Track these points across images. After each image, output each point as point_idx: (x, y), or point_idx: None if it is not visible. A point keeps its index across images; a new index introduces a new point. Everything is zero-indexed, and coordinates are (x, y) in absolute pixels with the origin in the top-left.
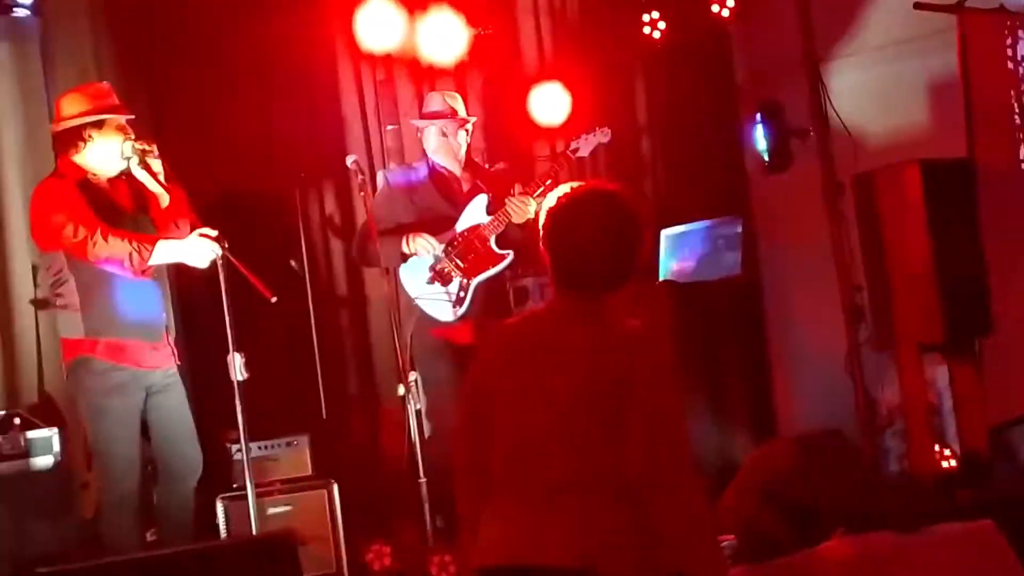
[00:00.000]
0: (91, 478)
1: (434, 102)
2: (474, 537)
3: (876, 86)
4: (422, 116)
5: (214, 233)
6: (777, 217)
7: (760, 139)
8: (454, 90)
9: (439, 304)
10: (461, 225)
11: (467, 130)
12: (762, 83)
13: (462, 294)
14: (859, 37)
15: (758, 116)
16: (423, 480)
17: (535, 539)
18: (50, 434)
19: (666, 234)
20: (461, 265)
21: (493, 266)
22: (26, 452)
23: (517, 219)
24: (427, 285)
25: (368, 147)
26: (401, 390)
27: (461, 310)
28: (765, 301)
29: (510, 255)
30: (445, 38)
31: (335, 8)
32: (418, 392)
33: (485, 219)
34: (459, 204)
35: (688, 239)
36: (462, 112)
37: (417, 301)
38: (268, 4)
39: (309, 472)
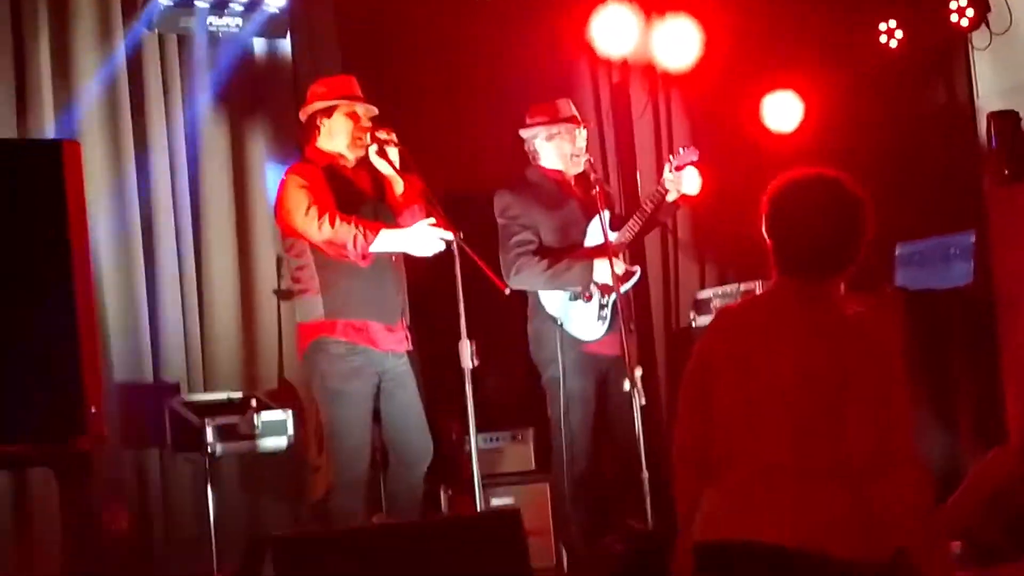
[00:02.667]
0: (322, 462)
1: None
2: (691, 517)
3: None
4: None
5: (435, 226)
6: (1011, 229)
7: (997, 149)
8: (686, 96)
9: (583, 322)
10: (590, 241)
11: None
12: (1000, 93)
13: (603, 311)
14: None
15: (993, 126)
16: (646, 475)
17: (755, 517)
18: (284, 416)
19: (901, 247)
20: (599, 283)
21: (628, 280)
22: (261, 433)
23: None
24: (570, 303)
25: (602, 148)
26: (627, 385)
27: (605, 326)
28: (999, 311)
29: (638, 270)
30: (680, 43)
31: (572, 12)
32: (642, 388)
33: (612, 234)
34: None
35: (921, 250)
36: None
37: (560, 319)
38: (508, 8)
39: (532, 466)
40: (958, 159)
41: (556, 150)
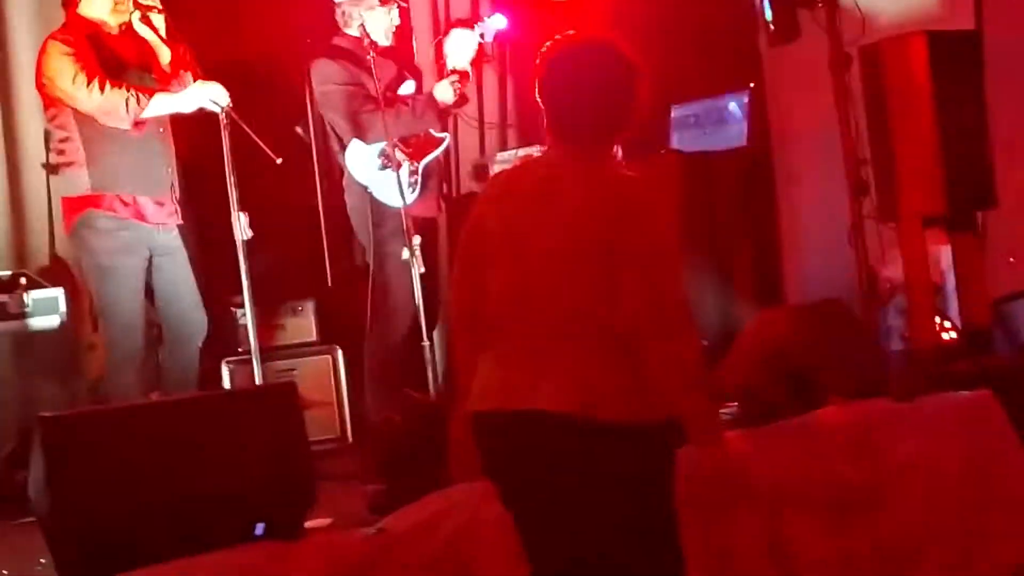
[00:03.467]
0: (97, 340)
1: None
2: (470, 385)
3: None
4: None
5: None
6: (786, 89)
7: (767, 9)
8: None
9: (391, 189)
10: None
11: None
12: None
13: (413, 178)
14: None
15: None
16: (426, 343)
17: (529, 385)
18: (55, 294)
19: (676, 110)
20: (407, 150)
21: (435, 148)
22: (31, 312)
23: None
24: (378, 171)
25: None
26: (405, 254)
27: (415, 193)
28: (774, 173)
29: (447, 137)
30: None
31: None
32: (421, 256)
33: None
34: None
35: (695, 111)
36: None
37: (370, 187)
38: None
39: (314, 338)
40: (731, 18)
41: (376, 21)
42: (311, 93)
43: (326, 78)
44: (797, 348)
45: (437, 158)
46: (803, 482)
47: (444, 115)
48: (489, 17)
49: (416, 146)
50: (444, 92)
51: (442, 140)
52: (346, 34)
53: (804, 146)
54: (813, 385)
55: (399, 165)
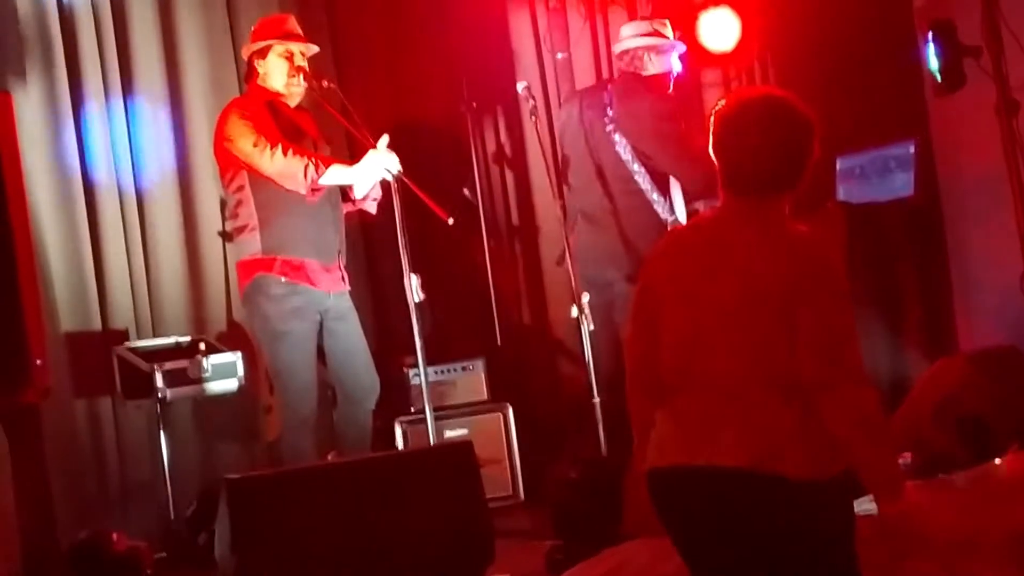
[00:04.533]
0: (274, 402)
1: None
2: (646, 441)
3: None
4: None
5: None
6: (954, 139)
7: (932, 59)
8: (625, 18)
9: None
10: None
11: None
12: (936, 2)
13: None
14: None
15: (930, 35)
16: (597, 400)
17: (708, 440)
18: (233, 359)
19: (841, 161)
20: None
21: None
22: (210, 377)
23: None
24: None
25: (542, 75)
26: (574, 311)
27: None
28: (944, 222)
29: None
30: None
31: None
32: (590, 314)
33: None
34: None
35: (862, 163)
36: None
37: None
38: None
39: (485, 396)
40: (895, 69)
41: None
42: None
43: (672, 116)
44: (973, 396)
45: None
46: (980, 534)
47: None
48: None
49: None
50: None
51: None
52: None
53: (972, 194)
54: (990, 434)
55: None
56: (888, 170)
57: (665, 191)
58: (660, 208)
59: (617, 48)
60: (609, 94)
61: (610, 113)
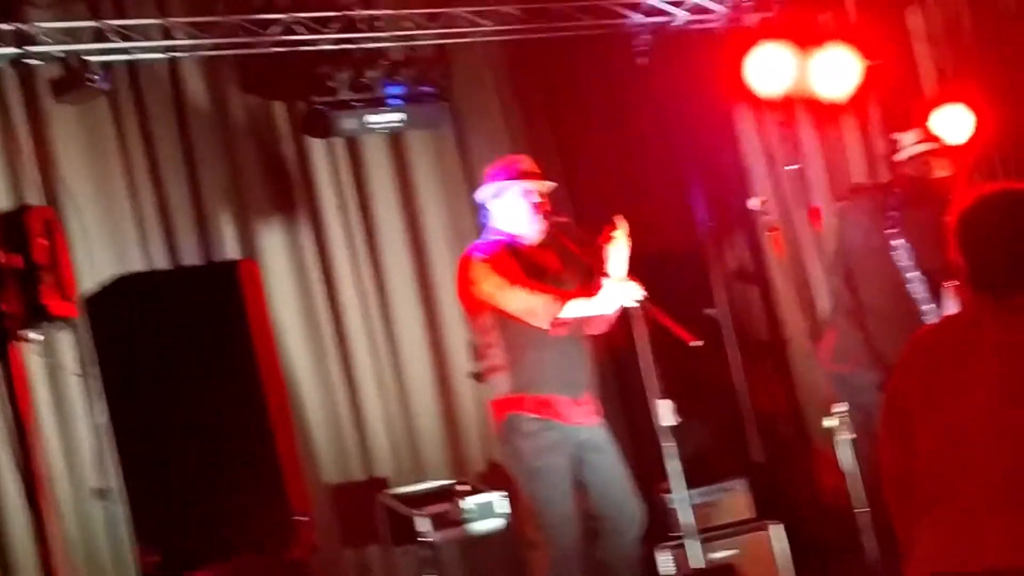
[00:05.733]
0: (539, 538)
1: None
2: (911, 552)
3: None
4: None
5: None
6: None
7: None
8: (855, 124)
9: None
10: None
11: None
12: None
13: None
14: None
15: None
16: (866, 511)
17: (973, 545)
18: (493, 498)
19: None
20: None
21: None
22: (471, 517)
23: None
24: None
25: (776, 190)
26: (827, 422)
27: None
28: None
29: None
30: (838, 73)
31: (729, 56)
32: (847, 423)
33: None
34: None
35: None
36: None
37: None
38: (664, 64)
39: (751, 515)
40: None
41: None
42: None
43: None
44: None
45: None
46: None
47: None
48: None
49: None
50: None
51: None
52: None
53: None
54: None
55: None
56: None
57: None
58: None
59: (903, 155)
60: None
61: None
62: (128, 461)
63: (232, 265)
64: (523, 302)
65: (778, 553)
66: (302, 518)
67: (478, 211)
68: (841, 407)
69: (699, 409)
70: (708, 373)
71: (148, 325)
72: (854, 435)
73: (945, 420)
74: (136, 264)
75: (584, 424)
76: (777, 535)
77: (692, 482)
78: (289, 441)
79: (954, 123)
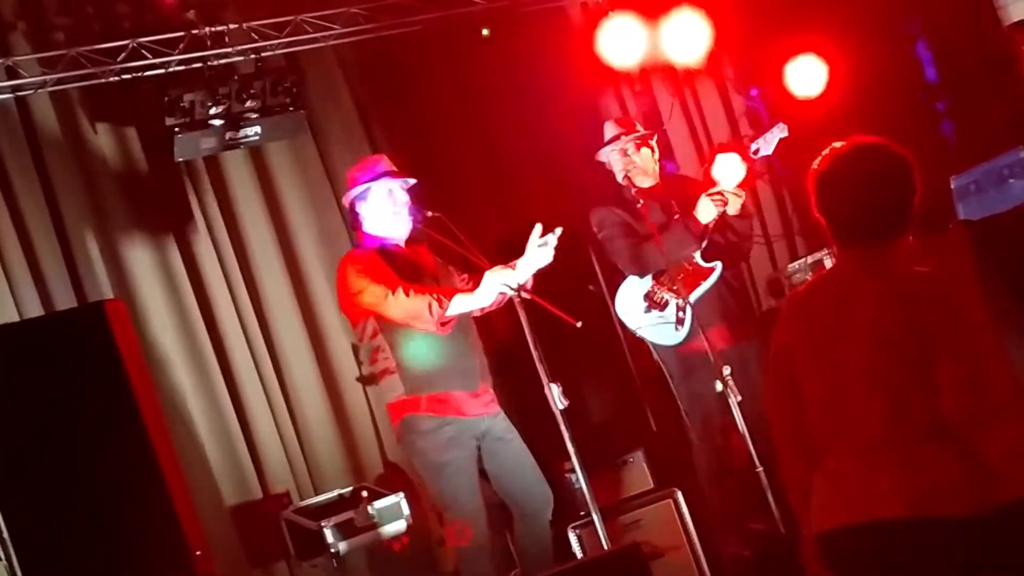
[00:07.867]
0: (445, 533)
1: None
2: (807, 505)
3: None
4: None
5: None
6: None
7: None
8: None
9: (661, 329)
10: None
11: (650, 146)
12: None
13: (681, 314)
14: None
15: None
16: (759, 469)
17: (865, 496)
18: (397, 500)
19: (955, 181)
20: (674, 288)
21: (705, 279)
22: (379, 522)
23: (705, 218)
24: (645, 315)
25: None
26: (719, 386)
27: (684, 329)
28: None
29: (719, 266)
30: (689, 38)
31: (581, 32)
32: (735, 385)
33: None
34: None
35: (976, 178)
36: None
37: (639, 332)
38: (518, 46)
39: (651, 485)
40: (997, 82)
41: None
42: (594, 245)
43: (602, 224)
44: None
45: (729, 283)
46: None
47: (705, 234)
48: (770, 130)
49: (685, 280)
50: (706, 210)
51: (712, 270)
52: (619, 184)
53: None
54: None
55: (663, 305)
56: (1004, 179)
57: None
58: None
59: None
60: None
61: None
62: (14, 518)
63: (98, 306)
64: (406, 309)
65: (683, 519)
66: (197, 553)
67: (347, 215)
68: (727, 369)
69: (595, 385)
70: (600, 349)
71: (22, 377)
72: (740, 397)
73: (827, 371)
74: (10, 314)
75: (483, 415)
76: (680, 502)
77: (592, 459)
78: (177, 475)
79: (807, 75)
